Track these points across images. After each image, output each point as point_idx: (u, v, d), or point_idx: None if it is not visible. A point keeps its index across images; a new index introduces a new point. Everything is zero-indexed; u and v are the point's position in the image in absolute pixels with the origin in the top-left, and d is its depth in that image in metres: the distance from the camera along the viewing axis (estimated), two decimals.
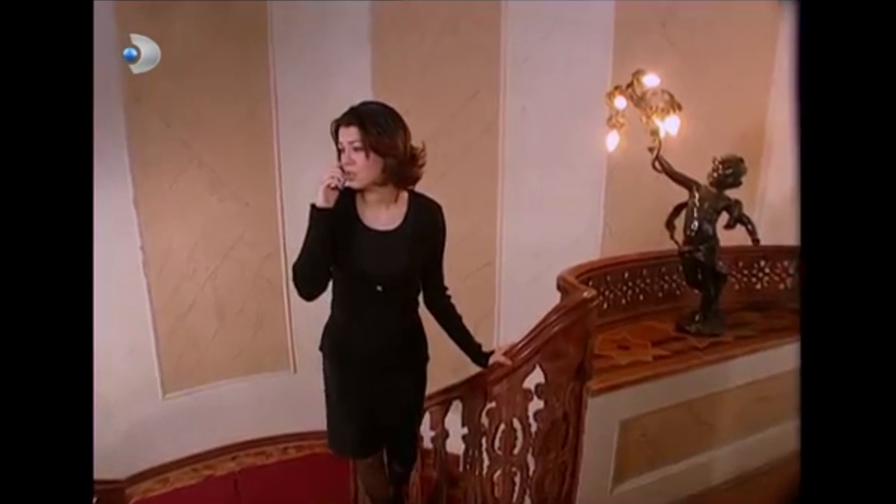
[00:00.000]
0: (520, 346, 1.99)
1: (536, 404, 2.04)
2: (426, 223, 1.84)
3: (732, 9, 3.33)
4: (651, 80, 2.37)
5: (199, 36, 3.77)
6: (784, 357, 2.46)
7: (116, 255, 3.72)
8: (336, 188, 1.69)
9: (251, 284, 4.25)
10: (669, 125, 2.39)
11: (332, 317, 1.94)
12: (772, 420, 2.46)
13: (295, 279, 1.77)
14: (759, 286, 2.93)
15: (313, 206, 1.70)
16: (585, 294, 1.99)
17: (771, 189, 3.23)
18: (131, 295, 3.88)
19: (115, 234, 3.72)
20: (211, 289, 4.18)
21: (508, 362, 2.01)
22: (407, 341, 1.93)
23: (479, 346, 2.03)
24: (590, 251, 3.83)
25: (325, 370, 1.99)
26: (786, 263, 2.90)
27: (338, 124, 1.73)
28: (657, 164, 2.48)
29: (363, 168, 1.70)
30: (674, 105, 2.37)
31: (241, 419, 4.22)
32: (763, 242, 2.56)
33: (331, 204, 1.69)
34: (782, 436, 2.39)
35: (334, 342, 1.93)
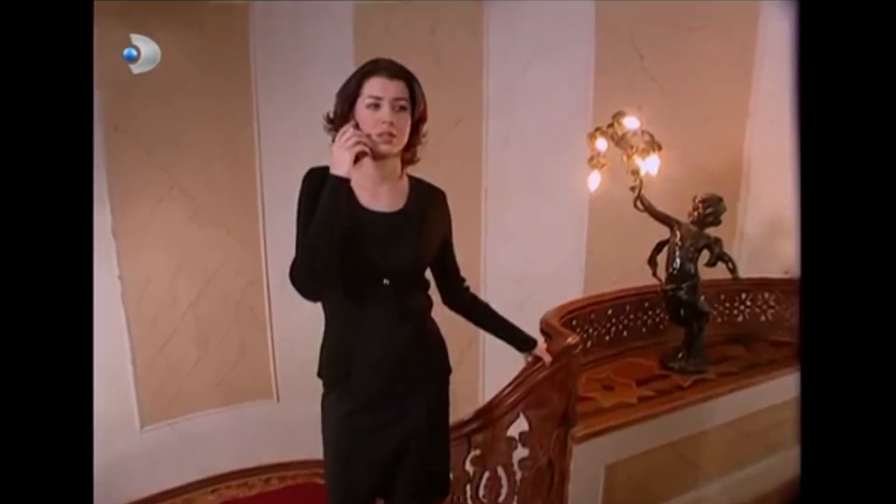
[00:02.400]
0: (504, 393, 1.97)
1: (521, 452, 2.01)
2: (433, 206, 1.57)
3: (708, 41, 3.37)
4: (631, 123, 2.37)
5: (180, 62, 3.71)
6: (767, 393, 2.47)
7: (94, 285, 3.63)
8: (363, 153, 1.41)
9: (233, 312, 4.16)
10: (650, 165, 2.39)
11: (326, 332, 1.61)
12: (756, 456, 2.47)
13: (300, 272, 1.44)
14: (740, 318, 2.94)
15: (331, 177, 1.40)
16: (570, 340, 1.98)
17: (750, 221, 3.26)
18: (109, 326, 3.80)
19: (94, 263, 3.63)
20: (192, 317, 4.09)
21: (548, 358, 1.86)
22: (422, 348, 1.58)
23: (518, 328, 1.80)
24: (573, 278, 3.84)
25: (322, 406, 1.63)
26: (766, 295, 2.92)
27: (368, 73, 1.45)
28: (639, 203, 2.48)
29: (404, 130, 1.45)
30: (654, 145, 2.38)
31: (223, 450, 4.13)
32: (743, 274, 2.57)
33: (351, 174, 1.41)
34: (767, 471, 2.40)
35: (332, 359, 1.59)
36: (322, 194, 1.43)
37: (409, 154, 1.54)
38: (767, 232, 3.13)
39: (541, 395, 1.95)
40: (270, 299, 4.13)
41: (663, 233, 2.67)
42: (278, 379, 4.28)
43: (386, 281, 1.50)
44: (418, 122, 1.50)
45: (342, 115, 1.49)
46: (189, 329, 4.05)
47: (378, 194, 1.53)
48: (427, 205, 1.56)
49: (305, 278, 1.46)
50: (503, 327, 1.78)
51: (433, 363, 1.63)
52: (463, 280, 1.75)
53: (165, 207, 3.87)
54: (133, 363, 3.90)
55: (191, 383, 4.09)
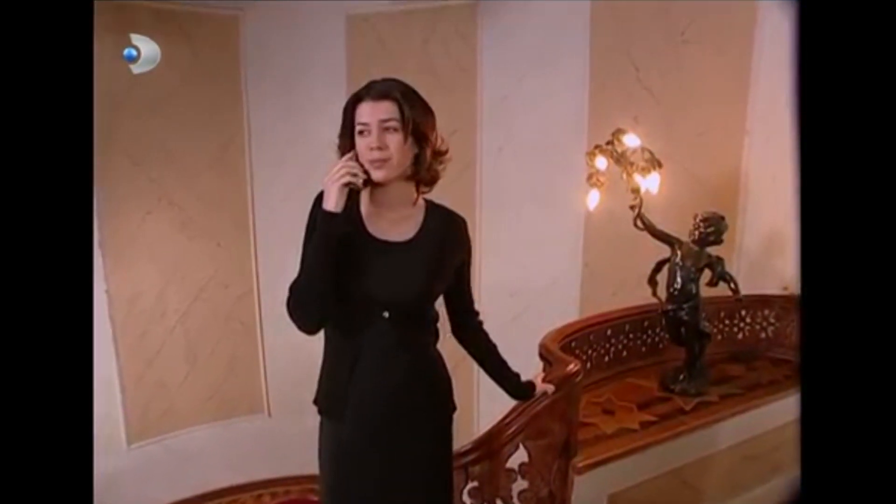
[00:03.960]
0: (503, 423, 1.86)
1: (521, 484, 1.90)
2: (449, 235, 1.45)
3: (704, 54, 3.31)
4: (632, 140, 2.27)
5: (169, 71, 3.60)
6: (769, 415, 2.38)
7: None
8: (352, 185, 1.32)
9: (223, 326, 4.06)
10: (650, 183, 2.30)
11: (324, 361, 1.52)
12: (761, 478, 2.37)
13: (295, 309, 1.38)
14: (740, 336, 2.84)
15: (321, 211, 1.33)
16: (571, 368, 1.87)
17: (748, 237, 3.17)
18: (95, 341, 3.65)
19: None
20: (181, 331, 3.98)
21: (550, 389, 1.74)
22: (424, 388, 1.47)
23: (518, 376, 1.68)
24: (569, 291, 3.75)
25: (320, 435, 1.55)
26: (766, 312, 2.82)
27: (358, 99, 1.36)
28: (639, 222, 2.38)
29: (398, 153, 1.33)
30: (654, 163, 2.28)
31: (213, 466, 4.01)
32: (743, 291, 2.48)
33: (341, 207, 1.32)
34: (769, 494, 2.30)
35: (327, 390, 1.50)
36: (310, 224, 1.38)
37: (422, 177, 1.41)
38: (765, 248, 3.05)
39: (541, 425, 1.84)
40: (262, 313, 4.03)
41: (661, 245, 2.57)
42: (270, 393, 4.18)
43: (385, 313, 1.40)
44: (421, 139, 1.37)
45: (343, 147, 1.41)
46: (178, 343, 3.94)
47: (387, 223, 1.42)
48: (442, 233, 1.44)
49: (299, 313, 1.39)
50: (502, 372, 1.67)
51: (434, 399, 1.51)
52: (476, 314, 1.63)
53: (154, 219, 3.77)
54: (120, 378, 3.78)
55: (180, 399, 3.97)
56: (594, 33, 3.46)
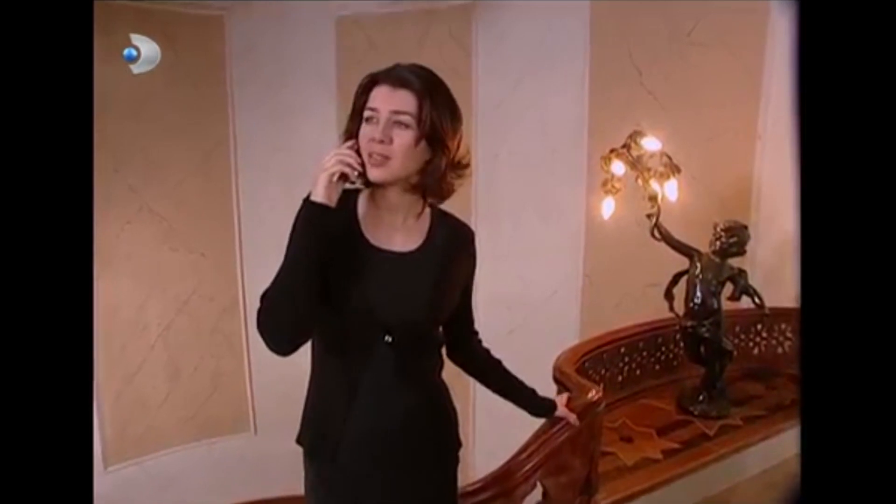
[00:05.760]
0: (519, 459, 1.61)
1: None
2: (456, 247, 1.24)
3: (711, 56, 3.14)
4: (651, 144, 2.04)
5: (150, 74, 3.37)
6: (794, 438, 2.16)
7: None
8: (345, 178, 1.09)
9: (207, 340, 3.82)
10: (668, 190, 2.08)
11: (310, 391, 1.28)
12: None
13: (265, 321, 1.14)
14: (756, 351, 2.63)
15: (305, 202, 1.10)
16: (592, 396, 1.63)
17: (762, 247, 2.98)
18: None
19: None
20: (163, 346, 3.74)
21: (574, 419, 1.52)
22: (427, 422, 1.25)
23: (534, 391, 1.46)
24: (569, 303, 3.55)
25: (305, 478, 1.32)
26: (783, 326, 2.61)
27: (374, 81, 1.12)
28: (656, 232, 2.15)
29: (403, 154, 1.10)
30: (673, 168, 2.06)
31: (196, 489, 3.74)
32: None
33: (332, 202, 1.09)
34: None
35: (316, 429, 1.27)
36: (295, 226, 1.11)
37: (430, 188, 1.16)
38: (780, 258, 2.85)
39: (560, 460, 1.60)
40: (248, 326, 3.78)
41: (666, 252, 2.36)
42: (256, 411, 3.93)
43: (388, 337, 1.17)
44: (437, 145, 1.12)
45: (347, 131, 1.15)
46: (159, 359, 3.70)
47: (389, 230, 1.19)
48: (450, 245, 1.22)
49: (270, 327, 1.13)
50: (516, 389, 1.44)
51: (439, 439, 1.28)
52: (475, 333, 1.40)
53: (133, 229, 3.54)
54: (97, 396, 3.50)
55: (161, 417, 3.73)
56: (594, 34, 3.27)
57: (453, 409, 1.31)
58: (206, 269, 3.73)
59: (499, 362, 1.41)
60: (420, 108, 1.09)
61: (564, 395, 1.58)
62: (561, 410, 1.54)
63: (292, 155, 3.41)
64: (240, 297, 3.79)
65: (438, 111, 1.10)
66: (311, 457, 1.29)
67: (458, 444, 1.33)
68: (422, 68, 1.15)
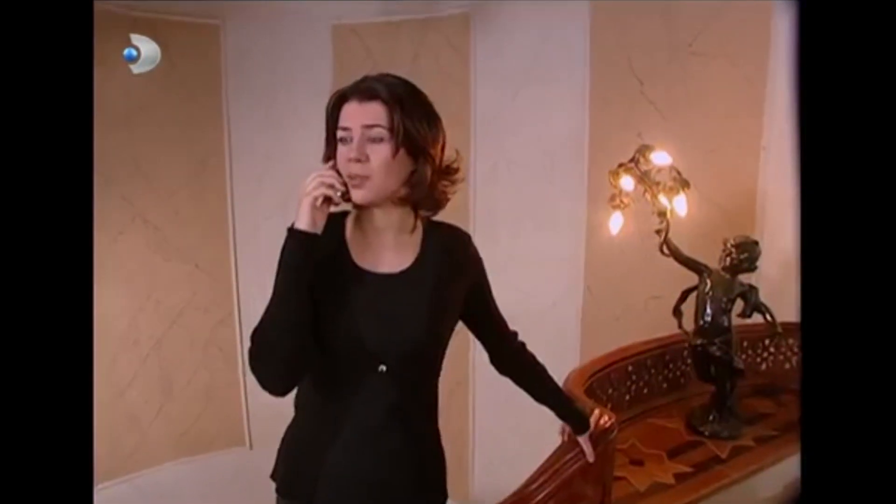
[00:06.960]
0: (530, 489, 1.51)
1: None
2: (451, 257, 1.15)
3: (714, 67, 3.06)
4: (661, 158, 1.96)
5: (143, 83, 3.27)
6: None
7: None
8: (330, 201, 1.02)
9: (201, 353, 3.72)
10: (677, 205, 1.99)
11: (292, 425, 1.20)
12: None
13: (256, 362, 1.06)
14: (763, 366, 2.55)
15: (289, 232, 1.03)
16: (605, 422, 1.53)
17: (767, 261, 2.90)
18: None
19: None
20: (155, 360, 3.63)
21: (590, 454, 1.45)
22: (414, 471, 1.15)
23: (573, 402, 1.44)
24: (569, 315, 3.46)
25: None
26: (790, 342, 2.53)
27: (343, 98, 1.05)
28: (664, 248, 2.06)
29: (383, 170, 1.02)
30: (682, 183, 1.97)
31: None
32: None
33: (318, 228, 1.02)
34: None
35: (293, 469, 1.17)
36: (282, 258, 1.03)
37: (420, 201, 1.09)
38: (786, 272, 2.77)
39: (574, 489, 1.50)
40: (242, 339, 3.69)
41: (669, 265, 2.27)
42: (251, 424, 3.81)
43: (382, 367, 1.08)
44: (418, 154, 1.05)
45: (325, 156, 1.09)
46: (152, 373, 3.58)
47: (379, 250, 1.12)
48: (443, 257, 1.14)
49: (263, 369, 1.05)
50: (559, 399, 1.38)
51: (424, 487, 1.19)
52: (515, 334, 1.32)
53: (126, 240, 3.43)
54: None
55: (153, 433, 3.60)
56: (594, 44, 3.18)
57: (442, 458, 1.22)
58: (199, 281, 3.63)
59: (543, 368, 1.34)
60: (391, 118, 1.01)
61: (597, 411, 1.50)
62: (584, 437, 1.45)
63: (287, 165, 3.32)
64: (234, 309, 3.70)
65: (412, 118, 1.03)
66: (285, 497, 1.19)
67: (444, 497, 1.22)
68: (389, 76, 1.07)
